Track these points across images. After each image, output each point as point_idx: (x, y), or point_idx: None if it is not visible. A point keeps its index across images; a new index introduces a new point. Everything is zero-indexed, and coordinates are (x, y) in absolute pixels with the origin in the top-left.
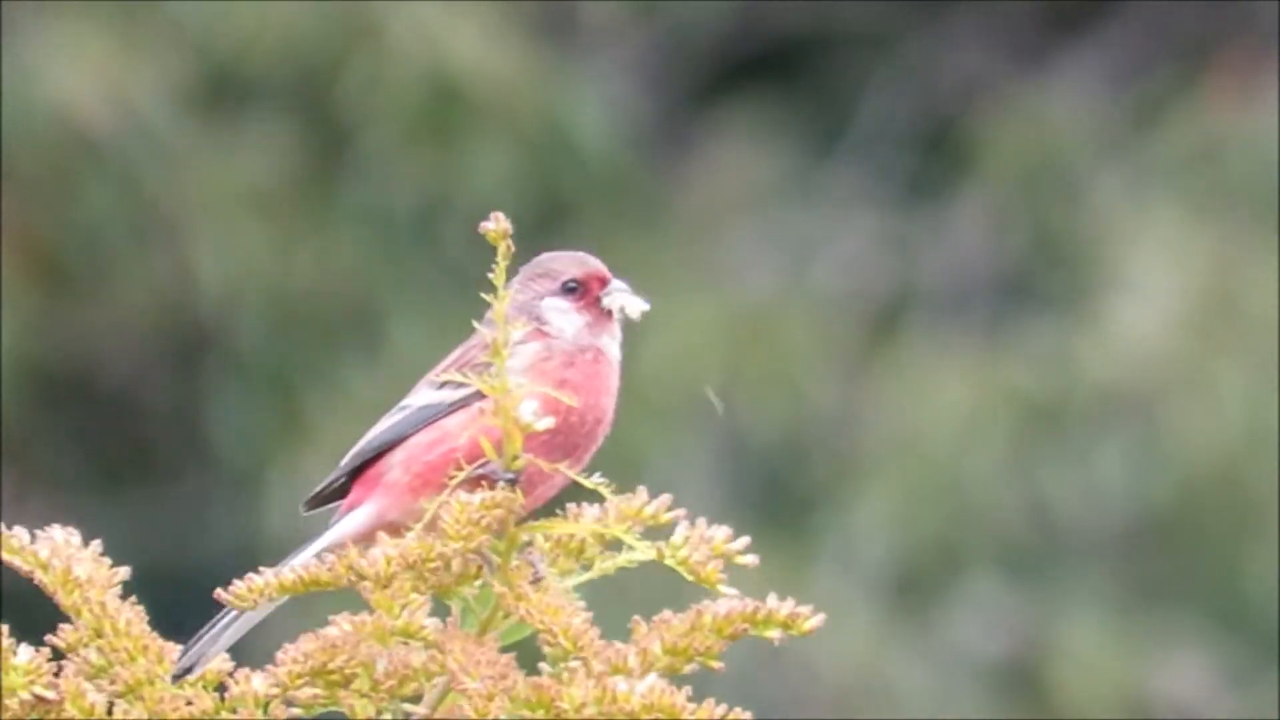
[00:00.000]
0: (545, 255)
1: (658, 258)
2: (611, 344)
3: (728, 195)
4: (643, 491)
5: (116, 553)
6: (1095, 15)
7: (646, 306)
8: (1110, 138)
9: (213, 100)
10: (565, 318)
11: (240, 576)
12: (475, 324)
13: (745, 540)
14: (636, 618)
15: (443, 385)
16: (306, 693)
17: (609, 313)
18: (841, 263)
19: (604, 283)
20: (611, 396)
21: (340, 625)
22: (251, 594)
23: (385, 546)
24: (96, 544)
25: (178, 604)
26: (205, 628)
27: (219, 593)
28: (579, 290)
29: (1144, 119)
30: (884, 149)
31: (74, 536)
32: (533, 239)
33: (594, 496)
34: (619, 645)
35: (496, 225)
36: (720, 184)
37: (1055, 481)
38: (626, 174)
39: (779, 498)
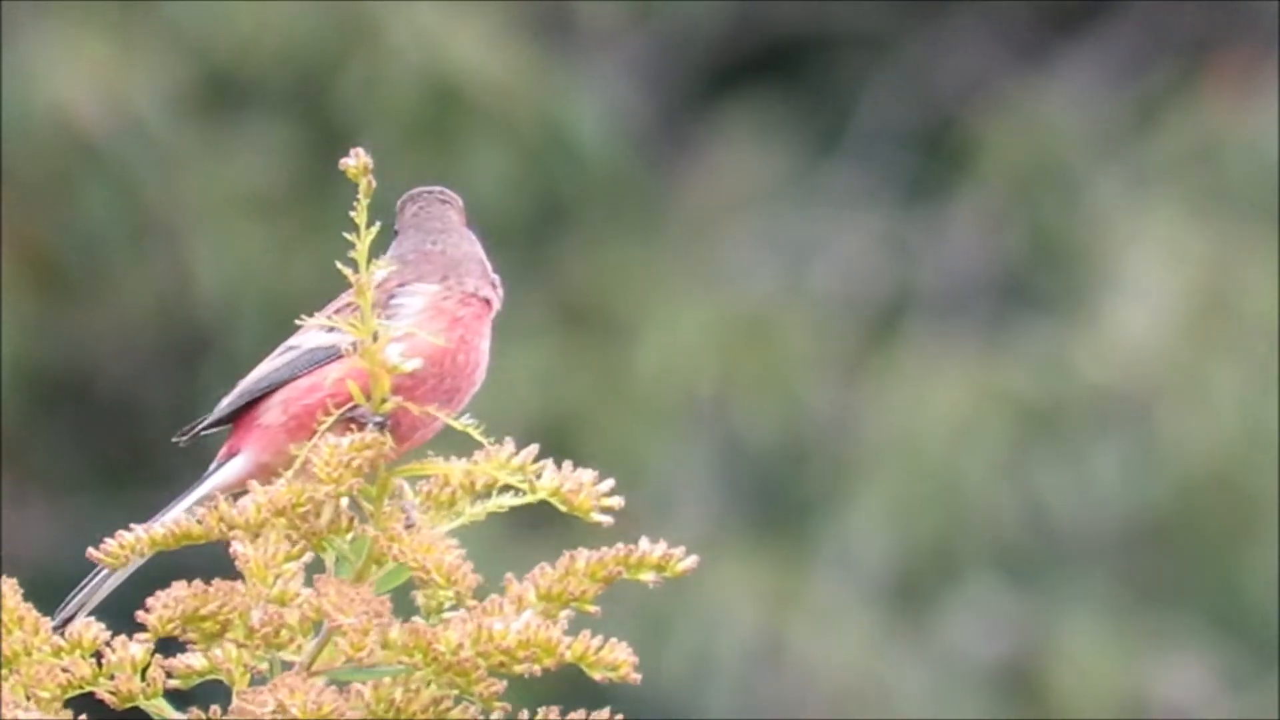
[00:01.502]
0: (435, 191)
1: (656, 259)
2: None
3: (726, 196)
4: (509, 441)
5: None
6: (1094, 16)
7: None
8: (1109, 138)
9: (211, 103)
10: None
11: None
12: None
13: (610, 482)
14: (509, 575)
15: (332, 329)
16: (180, 662)
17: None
18: (839, 264)
19: None
20: (488, 339)
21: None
22: (124, 550)
23: (255, 494)
24: None
25: None
26: (84, 581)
27: (90, 551)
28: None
29: (1143, 120)
30: (883, 150)
31: None
32: (532, 240)
33: (466, 444)
34: (494, 596)
35: (357, 160)
36: (719, 185)
37: (1052, 484)
38: (625, 175)
39: (776, 501)
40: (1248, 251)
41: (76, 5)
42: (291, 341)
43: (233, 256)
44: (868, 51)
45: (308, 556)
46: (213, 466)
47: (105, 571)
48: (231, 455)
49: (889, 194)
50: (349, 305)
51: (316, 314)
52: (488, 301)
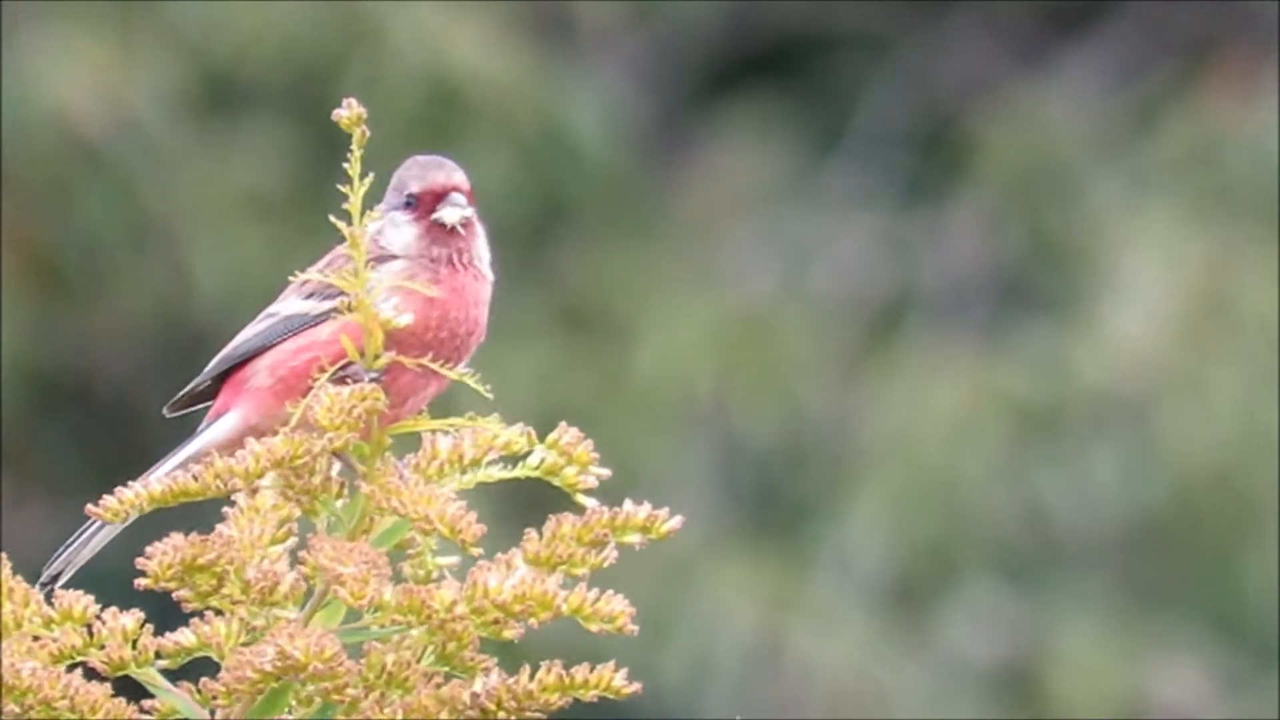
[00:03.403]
0: (407, 161)
1: (655, 259)
2: (480, 257)
3: (725, 197)
4: (496, 417)
5: (115, 555)
6: (1094, 17)
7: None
8: (1108, 139)
9: (210, 104)
10: (398, 231)
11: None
12: (335, 221)
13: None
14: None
15: (310, 295)
16: (169, 640)
17: (446, 227)
18: (838, 265)
19: (439, 198)
20: (483, 307)
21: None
22: (123, 506)
23: (252, 446)
24: None
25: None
26: (73, 535)
27: (89, 508)
28: (415, 205)
29: (1142, 121)
30: (882, 150)
31: None
32: (532, 240)
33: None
34: (484, 560)
35: (350, 111)
36: (718, 186)
37: (1051, 485)
38: (624, 176)
39: (775, 502)
40: (1246, 253)
41: (76, 6)
42: (270, 309)
43: (232, 257)
44: (868, 52)
45: (292, 540)
46: (202, 425)
47: (95, 527)
48: (220, 415)
49: (888, 195)
50: (339, 258)
51: (303, 272)
52: (476, 275)
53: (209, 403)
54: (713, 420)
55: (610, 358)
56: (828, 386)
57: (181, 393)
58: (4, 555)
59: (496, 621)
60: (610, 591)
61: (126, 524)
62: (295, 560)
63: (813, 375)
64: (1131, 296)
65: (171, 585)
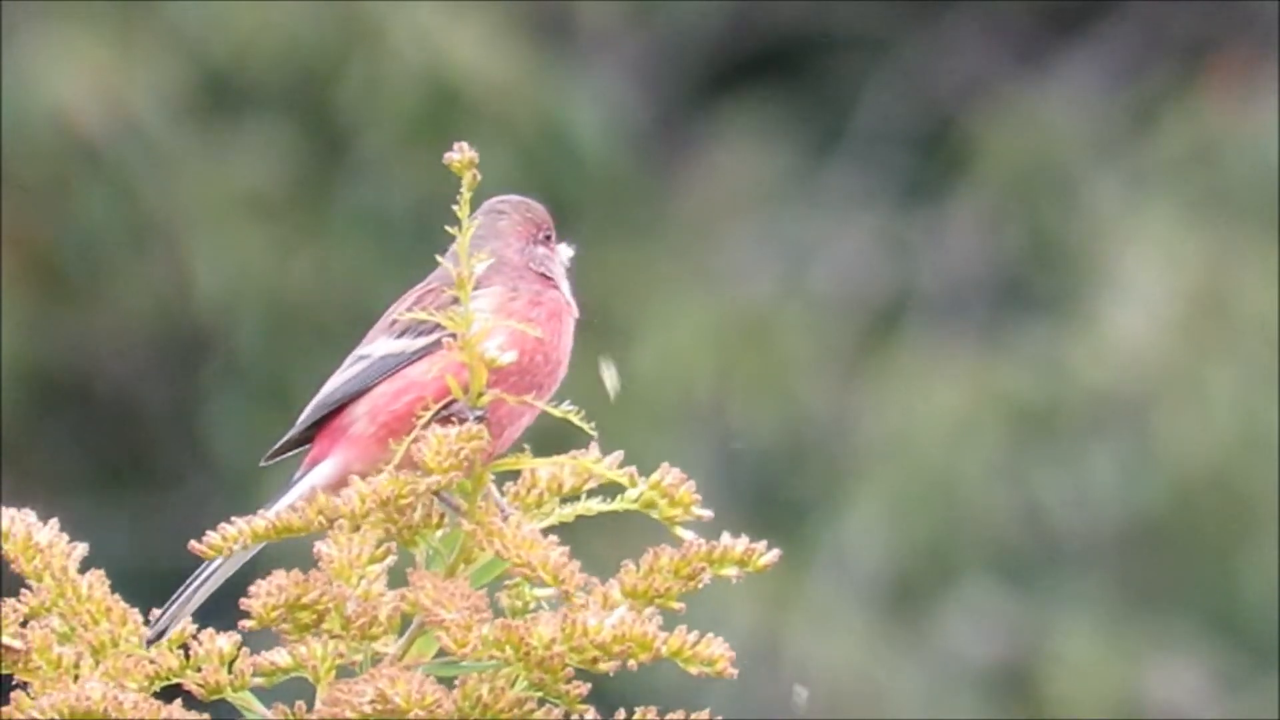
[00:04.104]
0: (515, 200)
1: (655, 260)
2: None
3: (725, 197)
4: (594, 447)
5: (116, 556)
6: (1093, 16)
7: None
8: (1107, 140)
9: (210, 105)
10: (553, 265)
11: (238, 581)
12: (439, 259)
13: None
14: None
15: (402, 333)
16: (265, 659)
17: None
18: (838, 265)
19: (552, 235)
20: (569, 340)
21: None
22: (226, 542)
23: (358, 486)
24: (54, 522)
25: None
26: (177, 592)
27: (193, 544)
28: (551, 239)
29: (1141, 121)
30: (881, 151)
31: (30, 516)
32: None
33: (549, 451)
34: (580, 593)
35: (462, 155)
36: (717, 186)
37: (1049, 485)
38: (624, 176)
39: (774, 502)
40: (1245, 253)
41: (76, 6)
42: (360, 351)
43: (232, 258)
44: (867, 52)
45: (390, 559)
46: (299, 472)
47: (200, 580)
48: (317, 462)
49: (888, 195)
50: (428, 294)
51: (388, 314)
52: (568, 303)
53: (301, 448)
54: (711, 419)
55: (609, 358)
56: (827, 386)
57: (276, 445)
58: (101, 572)
59: (595, 659)
60: (710, 634)
61: (230, 570)
62: (392, 582)
63: (812, 375)
64: (1130, 296)
65: (274, 623)
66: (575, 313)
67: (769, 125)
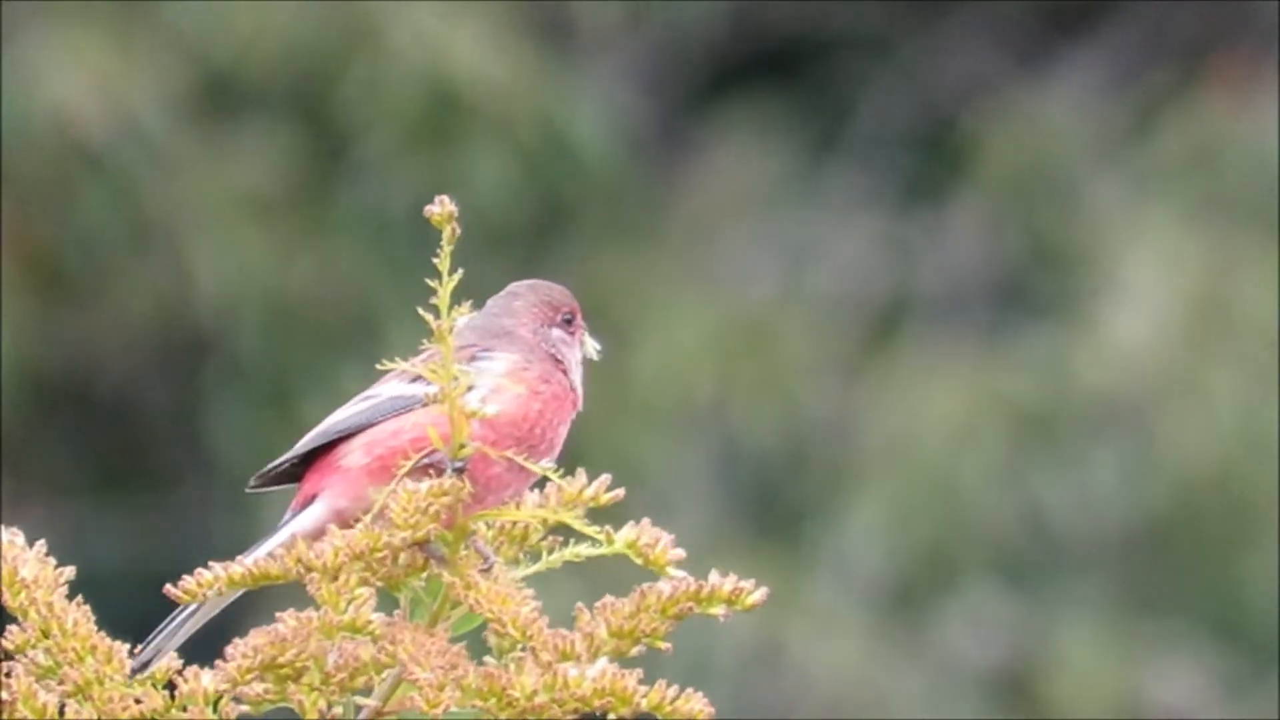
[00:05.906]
0: (533, 283)
1: (655, 262)
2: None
3: (725, 199)
4: (581, 474)
5: (115, 557)
6: (1093, 18)
7: (599, 350)
8: (1108, 141)
9: (211, 106)
10: (569, 350)
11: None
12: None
13: (678, 551)
14: (580, 605)
15: (415, 379)
16: (256, 688)
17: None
18: (838, 267)
19: (574, 319)
20: (565, 429)
21: (287, 621)
22: (201, 588)
23: (333, 538)
24: (41, 544)
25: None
26: (162, 624)
27: (168, 588)
28: (572, 324)
29: (1141, 123)
30: (882, 152)
31: (18, 537)
32: (531, 242)
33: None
34: (564, 632)
35: (441, 209)
36: (718, 188)
37: (1050, 488)
38: (624, 178)
39: (774, 505)
40: (1246, 256)
41: (76, 7)
42: (370, 390)
43: (232, 259)
44: (867, 53)
45: (372, 602)
46: (287, 515)
47: (187, 612)
48: (307, 502)
49: (888, 196)
50: (432, 355)
51: (400, 363)
52: (573, 390)
53: (291, 484)
54: (712, 422)
55: (610, 360)
56: (827, 389)
57: (265, 469)
58: (87, 609)
59: (576, 710)
60: (690, 689)
61: (216, 609)
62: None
63: (812, 377)
64: (1131, 299)
65: (249, 685)
66: (579, 405)
67: (769, 127)
